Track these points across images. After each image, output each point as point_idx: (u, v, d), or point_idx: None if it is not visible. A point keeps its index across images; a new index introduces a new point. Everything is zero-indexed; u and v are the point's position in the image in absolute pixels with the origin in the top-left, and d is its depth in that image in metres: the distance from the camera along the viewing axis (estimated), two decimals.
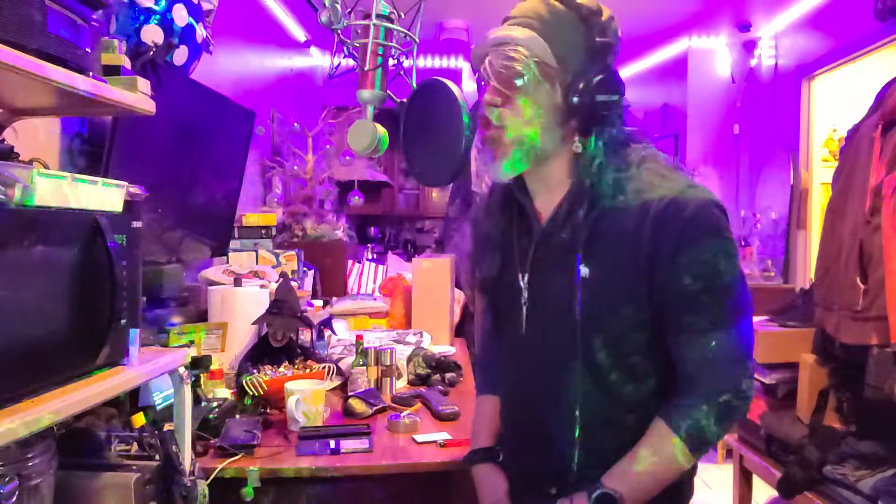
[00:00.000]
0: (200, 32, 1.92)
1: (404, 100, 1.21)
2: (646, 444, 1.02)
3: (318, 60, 4.75)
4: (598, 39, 1.02)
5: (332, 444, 1.45)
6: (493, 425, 1.27)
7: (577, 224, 1.04)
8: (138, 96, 1.11)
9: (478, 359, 1.41)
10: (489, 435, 1.26)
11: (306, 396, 1.58)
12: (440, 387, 1.95)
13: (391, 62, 1.22)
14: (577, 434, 1.06)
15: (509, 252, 1.15)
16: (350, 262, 3.28)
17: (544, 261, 1.10)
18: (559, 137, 1.06)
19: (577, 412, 1.06)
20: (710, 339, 1.00)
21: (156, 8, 1.75)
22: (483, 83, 1.09)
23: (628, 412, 1.06)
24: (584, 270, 1.03)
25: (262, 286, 2.14)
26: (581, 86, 1.01)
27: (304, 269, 2.84)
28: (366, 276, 3.26)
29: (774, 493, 1.91)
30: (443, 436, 1.52)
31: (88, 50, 1.03)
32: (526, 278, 1.12)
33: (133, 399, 1.38)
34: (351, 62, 1.24)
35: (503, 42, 1.04)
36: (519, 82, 1.03)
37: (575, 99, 1.01)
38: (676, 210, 0.98)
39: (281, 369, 1.79)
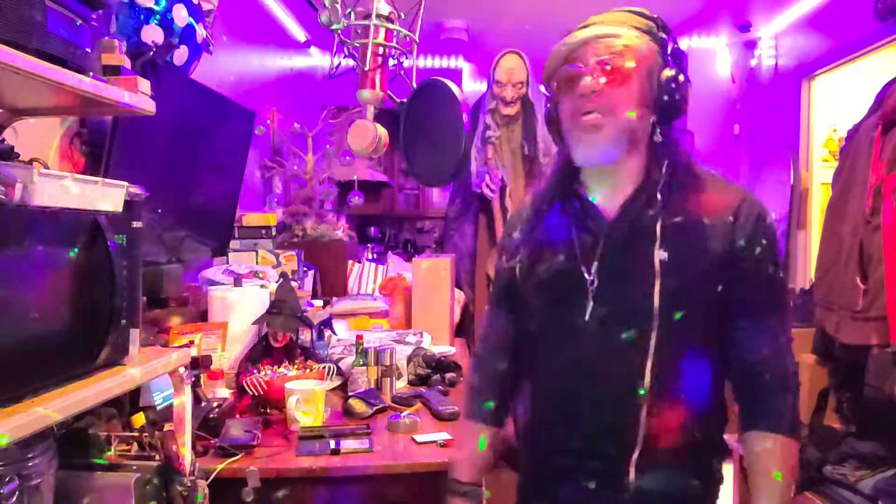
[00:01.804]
0: (200, 32, 1.92)
1: (404, 100, 1.21)
2: (766, 460, 1.09)
3: (318, 60, 4.74)
4: (675, 45, 1.14)
5: (332, 444, 1.45)
6: (486, 462, 1.25)
7: (656, 212, 1.10)
8: (138, 96, 1.11)
9: (477, 375, 1.32)
10: (478, 470, 1.25)
11: (306, 396, 1.58)
12: (440, 387, 1.95)
13: (391, 62, 1.22)
14: (643, 414, 1.08)
15: (570, 249, 1.16)
16: (350, 262, 3.27)
17: (619, 252, 1.13)
18: (645, 128, 1.13)
19: (650, 395, 1.08)
20: (776, 326, 1.10)
21: (156, 8, 1.75)
22: (576, 76, 1.12)
23: (697, 395, 1.10)
24: (661, 254, 1.08)
25: (262, 286, 2.14)
26: (669, 83, 1.11)
27: (304, 269, 2.84)
28: (366, 276, 3.26)
29: None
30: (443, 436, 1.52)
31: (88, 50, 1.03)
32: (594, 267, 1.13)
33: (133, 399, 1.38)
34: (351, 62, 1.24)
35: (609, 35, 1.11)
36: (627, 71, 1.09)
37: (664, 96, 1.10)
38: (750, 211, 1.10)
39: (281, 369, 1.79)
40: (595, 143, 1.11)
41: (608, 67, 1.10)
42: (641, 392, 1.08)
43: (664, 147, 1.13)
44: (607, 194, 1.16)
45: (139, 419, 1.21)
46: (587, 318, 1.13)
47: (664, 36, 1.14)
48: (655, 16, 1.15)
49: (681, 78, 1.12)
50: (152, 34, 1.73)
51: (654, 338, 1.08)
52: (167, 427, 1.21)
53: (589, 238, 1.15)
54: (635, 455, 1.08)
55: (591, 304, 1.13)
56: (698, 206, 1.10)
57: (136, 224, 1.09)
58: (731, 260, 1.08)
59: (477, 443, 1.26)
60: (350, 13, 1.19)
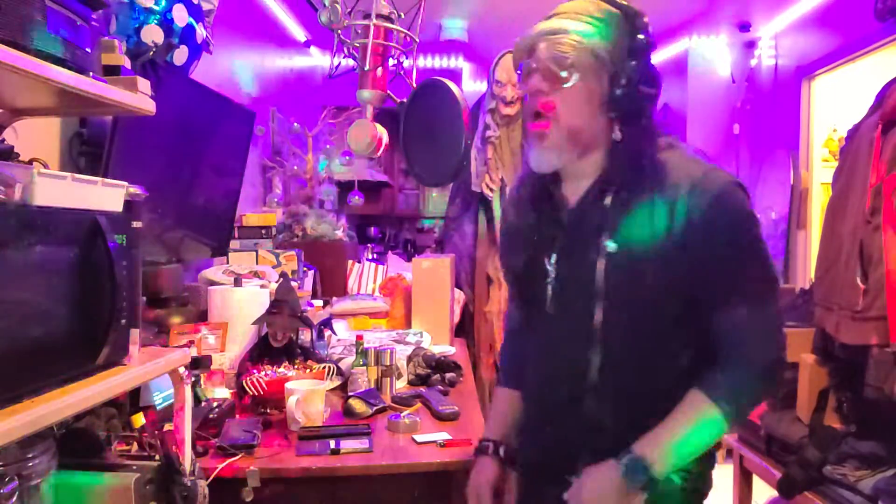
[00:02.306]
0: (200, 32, 1.92)
1: (404, 100, 1.21)
2: (681, 413, 1.05)
3: (318, 60, 4.74)
4: (641, 37, 1.08)
5: (332, 444, 1.45)
6: (506, 419, 1.29)
7: (608, 203, 1.08)
8: (138, 96, 1.11)
9: (502, 351, 1.44)
10: (499, 427, 1.28)
11: (306, 396, 1.58)
12: (440, 387, 1.95)
13: (391, 62, 1.22)
14: (606, 412, 1.08)
15: (539, 239, 1.17)
16: (350, 262, 3.27)
17: (574, 241, 1.13)
18: (602, 126, 1.10)
19: (601, 387, 1.08)
20: (746, 311, 1.05)
21: (156, 8, 1.75)
22: (531, 70, 1.10)
23: (659, 391, 1.07)
24: (611, 246, 1.06)
25: (262, 286, 2.14)
26: (627, 77, 1.06)
27: (304, 269, 2.83)
28: (366, 276, 3.26)
29: (774, 493, 1.91)
30: (443, 436, 1.52)
31: (88, 50, 1.03)
32: (553, 258, 1.15)
33: (133, 399, 1.38)
34: (351, 62, 1.24)
35: (557, 31, 1.08)
36: (573, 71, 1.07)
37: (619, 91, 1.07)
38: (705, 189, 1.04)
39: (281, 369, 1.79)
40: (541, 150, 1.11)
41: (553, 67, 1.07)
42: (599, 384, 1.08)
43: (623, 143, 1.10)
44: (574, 187, 1.16)
45: (139, 419, 1.21)
46: (548, 307, 1.15)
47: (631, 25, 1.08)
48: (625, 3, 1.10)
49: (643, 72, 1.06)
50: (152, 34, 1.74)
51: (602, 327, 1.07)
52: (167, 427, 1.21)
53: (552, 230, 1.16)
54: (608, 444, 1.07)
55: (550, 293, 1.15)
56: (655, 192, 1.06)
57: (136, 224, 1.09)
58: (688, 244, 1.03)
59: (505, 405, 1.30)
60: (350, 13, 1.19)
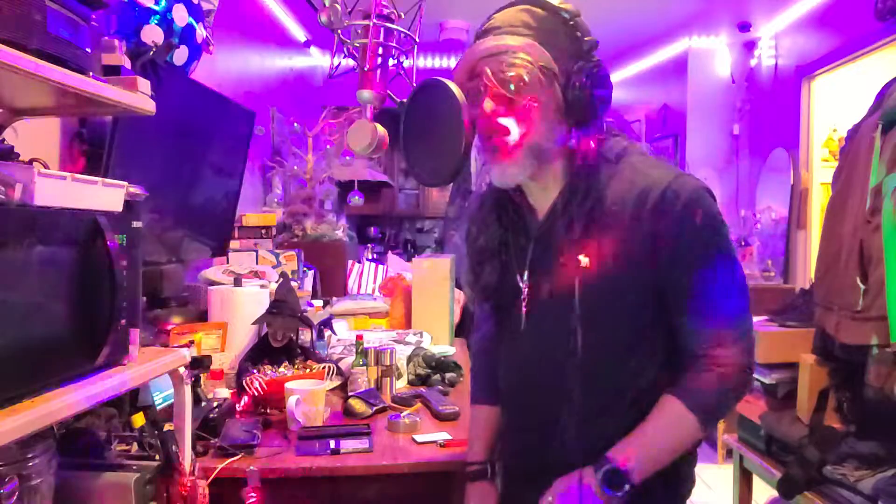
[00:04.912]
0: (200, 32, 1.92)
1: (404, 100, 1.21)
2: (656, 420, 1.05)
3: (318, 60, 4.75)
4: (585, 39, 1.06)
5: (332, 444, 1.45)
6: (488, 436, 1.28)
7: (575, 215, 1.07)
8: (138, 96, 1.11)
9: (473, 367, 1.42)
10: (484, 447, 1.28)
11: (306, 396, 1.58)
12: (440, 387, 1.95)
13: (391, 62, 1.22)
14: (580, 423, 1.08)
15: (507, 254, 1.17)
16: (350, 262, 3.27)
17: (544, 255, 1.13)
18: (560, 135, 1.09)
19: (579, 402, 1.08)
20: (715, 318, 1.04)
21: (156, 8, 1.75)
22: (479, 93, 1.08)
23: (632, 399, 1.07)
24: (583, 260, 1.05)
25: (262, 286, 2.14)
26: (578, 83, 1.04)
27: (304, 269, 2.83)
28: (366, 276, 3.26)
29: (774, 493, 1.91)
30: (443, 436, 1.52)
31: (88, 50, 1.03)
32: (525, 275, 1.15)
33: (133, 399, 1.38)
34: (351, 62, 1.24)
35: (500, 51, 1.06)
36: (522, 90, 1.05)
37: (572, 98, 1.05)
38: (674, 196, 1.03)
39: (281, 369, 1.79)
40: (502, 167, 1.09)
41: (503, 90, 1.05)
42: (577, 399, 1.07)
43: (581, 149, 1.08)
44: (541, 198, 1.14)
45: (139, 419, 1.21)
46: (523, 326, 1.15)
47: (572, 28, 1.06)
48: (560, 4, 1.07)
49: (592, 75, 1.04)
50: (152, 34, 1.74)
51: (580, 341, 1.05)
52: (167, 427, 1.21)
53: (521, 246, 1.15)
54: (583, 458, 1.06)
55: (524, 312, 1.14)
56: (622, 200, 1.05)
57: (136, 224, 1.09)
58: (658, 250, 1.03)
59: (485, 422, 1.29)
60: (350, 13, 1.19)
